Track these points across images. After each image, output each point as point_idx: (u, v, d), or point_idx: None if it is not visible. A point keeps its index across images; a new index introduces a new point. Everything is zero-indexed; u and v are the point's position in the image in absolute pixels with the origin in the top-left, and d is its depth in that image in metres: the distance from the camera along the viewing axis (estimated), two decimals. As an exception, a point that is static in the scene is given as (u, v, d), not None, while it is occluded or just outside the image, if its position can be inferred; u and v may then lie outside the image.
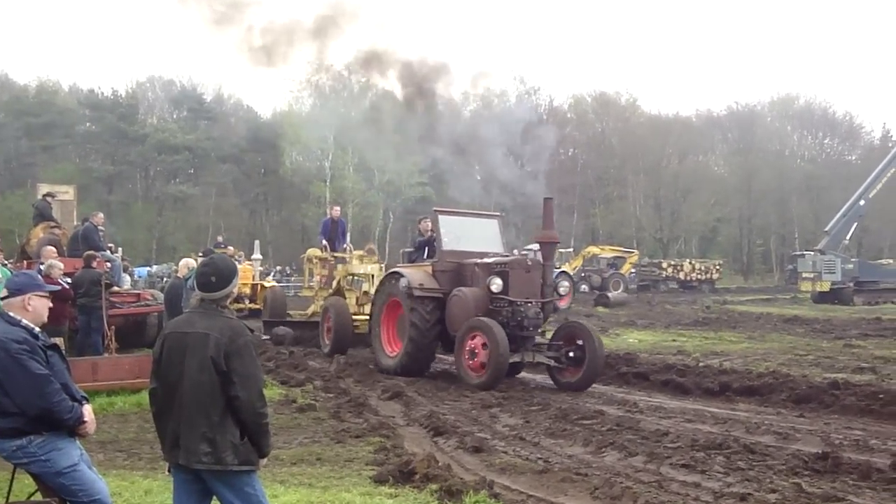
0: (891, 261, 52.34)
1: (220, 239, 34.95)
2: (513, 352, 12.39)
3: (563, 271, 36.69)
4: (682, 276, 53.17)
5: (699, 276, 53.73)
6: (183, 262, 13.50)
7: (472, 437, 8.96)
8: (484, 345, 12.14)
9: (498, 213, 16.37)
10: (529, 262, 13.29)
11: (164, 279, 32.29)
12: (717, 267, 56.41)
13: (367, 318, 17.09)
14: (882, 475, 7.24)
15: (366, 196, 62.21)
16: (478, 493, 6.48)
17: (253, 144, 69.22)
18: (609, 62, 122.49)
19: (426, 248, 15.26)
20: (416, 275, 13.86)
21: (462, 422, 10.11)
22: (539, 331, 13.04)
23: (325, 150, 64.08)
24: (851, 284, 39.11)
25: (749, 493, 6.72)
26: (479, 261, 13.73)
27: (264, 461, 4.45)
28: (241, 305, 26.33)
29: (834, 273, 38.99)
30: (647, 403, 11.56)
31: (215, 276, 4.41)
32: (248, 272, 27.15)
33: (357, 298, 18.18)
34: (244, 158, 67.50)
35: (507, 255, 14.11)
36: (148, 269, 42.29)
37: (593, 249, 50.04)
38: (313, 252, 20.82)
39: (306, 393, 12.11)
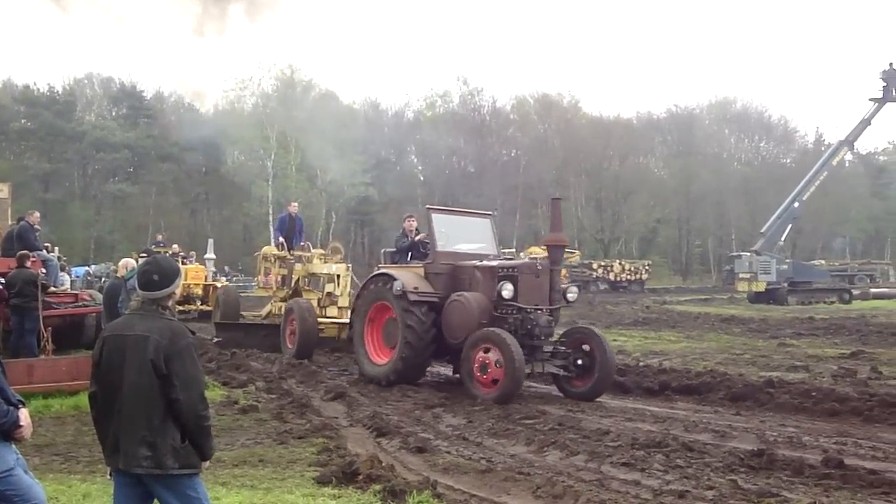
0: (823, 262, 53.66)
1: (159, 238, 34.18)
2: None
3: None
4: (612, 276, 53.84)
5: (629, 277, 54.39)
6: (122, 262, 13.28)
7: (416, 437, 8.97)
8: (497, 360, 11.10)
9: (490, 212, 15.38)
10: (539, 267, 12.37)
11: (103, 279, 31.53)
12: (647, 267, 57.17)
13: (331, 320, 16.80)
14: (814, 471, 7.44)
15: (308, 196, 61.79)
16: (421, 494, 6.50)
17: (194, 143, 68.32)
18: (552, 64, 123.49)
19: (410, 249, 14.17)
20: (408, 277, 12.85)
21: (405, 422, 10.11)
22: (550, 339, 12.11)
23: (267, 149, 63.57)
24: (786, 285, 39.97)
25: (687, 491, 6.85)
26: (480, 263, 12.82)
27: (206, 464, 4.41)
28: (193, 307, 25.82)
29: (769, 274, 39.81)
30: (589, 403, 11.70)
31: (158, 275, 4.36)
32: (200, 272, 26.61)
33: (319, 300, 17.42)
34: (185, 157, 66.57)
35: (509, 258, 13.36)
36: (86, 269, 41.49)
37: (535, 250, 50.39)
38: (269, 250, 19.97)
39: (248, 394, 12.00)
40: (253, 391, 12.34)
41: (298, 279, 18.11)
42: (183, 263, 25.99)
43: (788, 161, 79.76)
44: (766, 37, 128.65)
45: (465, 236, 13.92)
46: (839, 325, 23.77)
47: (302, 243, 19.25)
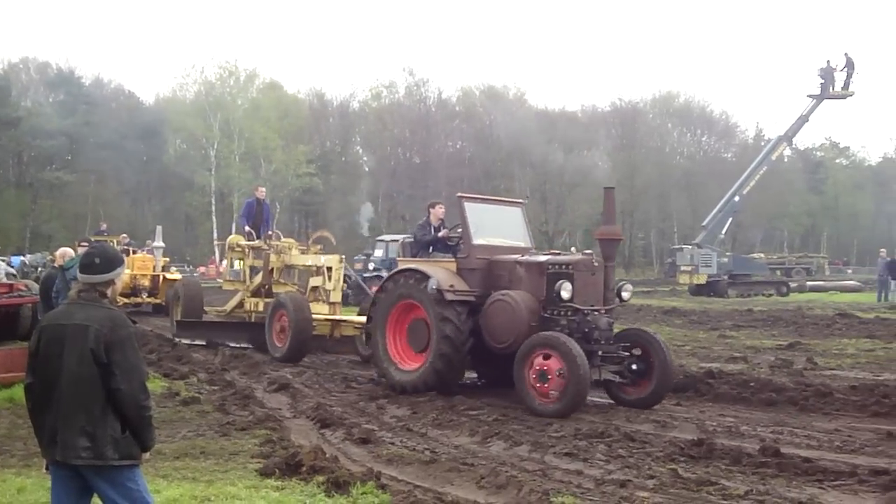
0: (762, 255, 54.64)
1: (102, 226, 32.94)
2: None
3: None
4: None
5: None
6: (60, 251, 12.91)
7: (360, 428, 8.95)
8: (559, 368, 9.78)
9: (521, 200, 13.55)
10: (595, 263, 10.98)
11: (39, 269, 30.49)
12: None
13: (324, 317, 15.32)
14: (751, 459, 7.60)
15: (252, 186, 61.21)
16: (365, 485, 6.49)
17: (134, 131, 67.16)
18: (497, 56, 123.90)
19: (435, 242, 12.52)
20: (440, 274, 11.34)
21: (349, 413, 10.09)
22: (611, 343, 10.68)
23: (210, 138, 62.82)
24: (726, 277, 40.62)
25: (629, 480, 6.95)
26: (523, 258, 11.46)
27: (147, 455, 4.35)
28: (139, 299, 24.03)
29: (710, 266, 40.43)
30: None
31: (99, 259, 4.30)
32: (147, 262, 24.50)
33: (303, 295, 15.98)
34: (125, 145, 65.38)
35: (556, 252, 12.16)
36: (21, 258, 40.54)
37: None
38: (235, 239, 18.24)
39: (190, 385, 11.87)
40: (195, 383, 12.20)
41: (273, 271, 16.75)
42: (133, 252, 24.78)
43: (729, 155, 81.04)
44: (708, 32, 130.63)
45: (497, 227, 12.46)
46: (777, 317, 24.23)
47: (270, 231, 17.78)
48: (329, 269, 15.51)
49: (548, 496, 6.34)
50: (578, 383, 9.62)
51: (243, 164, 62.82)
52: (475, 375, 12.69)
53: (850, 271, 67.61)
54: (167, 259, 27.55)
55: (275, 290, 16.59)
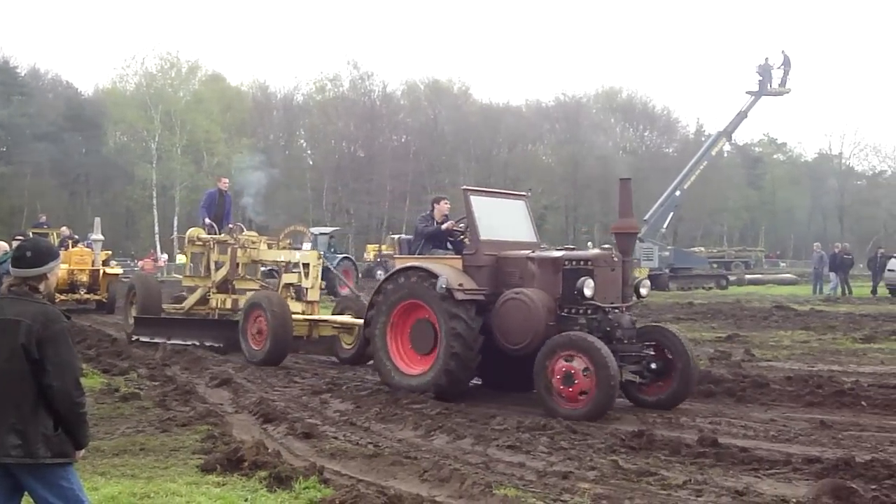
0: (702, 249, 55.50)
1: (42, 218, 31.78)
2: None
3: (346, 256, 36.15)
4: None
5: None
6: (-6, 245, 12.67)
7: (303, 423, 8.90)
8: (585, 368, 9.29)
9: (525, 193, 12.98)
10: (615, 258, 10.43)
11: (-29, 263, 29.30)
12: None
13: (304, 317, 14.54)
14: (690, 450, 7.74)
15: (194, 179, 60.49)
16: (307, 479, 6.46)
17: (73, 123, 65.86)
18: (442, 50, 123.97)
19: (436, 237, 11.71)
20: (447, 272, 10.64)
21: (292, 408, 10.04)
22: (633, 342, 10.17)
23: (151, 130, 61.91)
24: (667, 271, 41.17)
25: (570, 472, 7.03)
26: (536, 254, 10.85)
27: (82, 453, 4.27)
28: (78, 296, 22.89)
29: (651, 260, 40.94)
30: (477, 389, 11.79)
31: (31, 252, 4.21)
32: (86, 256, 23.28)
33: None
34: (63, 137, 64.06)
35: (571, 247, 11.50)
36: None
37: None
38: (196, 232, 17.16)
39: (130, 381, 11.69)
40: (135, 378, 12.02)
41: (238, 267, 15.91)
42: (73, 246, 23.82)
43: (671, 150, 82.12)
44: (650, 29, 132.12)
45: (502, 222, 11.75)
46: (716, 310, 24.64)
47: (230, 224, 16.88)
48: (306, 265, 14.82)
49: (490, 488, 6.37)
50: (608, 385, 9.12)
51: (185, 157, 62.06)
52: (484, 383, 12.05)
53: (783, 264, 69.02)
54: (108, 253, 26.33)
55: (239, 286, 15.99)
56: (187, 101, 64.21)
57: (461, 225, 11.59)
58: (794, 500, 6.14)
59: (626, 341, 9.98)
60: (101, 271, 23.47)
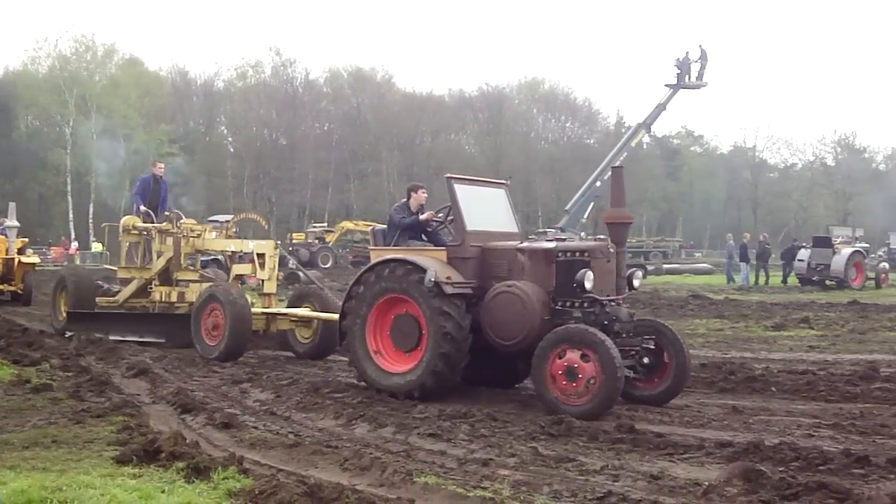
0: (599, 237, 56.43)
1: None
2: None
3: (328, 245, 36.03)
4: None
5: None
6: None
7: (222, 413, 8.79)
8: (591, 364, 8.88)
9: (504, 181, 12.44)
10: (611, 249, 10.01)
11: None
12: None
13: (262, 311, 13.92)
14: (608, 436, 7.88)
15: (110, 165, 59.02)
16: (226, 470, 6.39)
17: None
18: (365, 38, 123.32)
19: (413, 228, 11.15)
20: (433, 265, 10.09)
21: (211, 398, 9.91)
22: (631, 336, 9.77)
23: (65, 115, 60.25)
24: (587, 260, 41.69)
25: (491, 459, 7.09)
26: (525, 245, 10.45)
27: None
28: None
29: (572, 250, 41.42)
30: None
31: None
32: None
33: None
34: (-31, 121, 61.92)
35: (561, 238, 10.95)
36: None
37: (347, 224, 50.38)
38: (132, 220, 16.05)
39: (42, 372, 11.34)
40: (47, 369, 11.67)
41: (183, 257, 15.01)
42: None
43: (592, 141, 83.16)
44: (573, 20, 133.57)
45: (485, 211, 11.22)
46: (634, 299, 24.98)
47: (167, 212, 15.97)
48: (260, 255, 14.09)
49: (411, 476, 6.40)
50: (614, 380, 8.77)
51: (101, 143, 60.50)
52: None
53: (697, 255, 70.62)
54: (25, 240, 24.61)
55: (181, 278, 15.15)
56: (103, 85, 62.63)
57: (440, 215, 11.22)
58: (706, 483, 6.30)
59: (624, 335, 9.58)
60: (17, 260, 22.13)
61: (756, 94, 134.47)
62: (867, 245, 41.64)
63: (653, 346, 9.81)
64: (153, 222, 15.76)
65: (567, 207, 44.68)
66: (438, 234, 11.24)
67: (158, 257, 15.39)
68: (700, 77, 44.40)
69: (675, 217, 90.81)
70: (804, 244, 37.46)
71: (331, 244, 50.12)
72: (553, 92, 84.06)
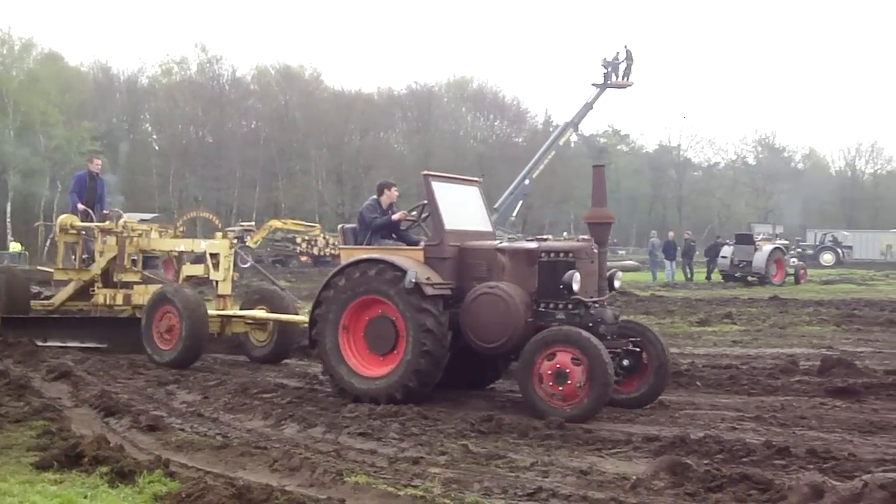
0: (551, 237, 56.87)
1: None
2: None
3: (247, 245, 35.57)
4: (315, 251, 52.08)
5: (333, 252, 53.71)
6: None
7: (147, 415, 8.62)
8: (580, 366, 8.73)
9: (477, 178, 12.17)
10: (595, 250, 9.84)
11: None
12: None
13: (217, 313, 13.35)
14: (537, 432, 7.96)
15: (29, 163, 57.42)
16: (152, 473, 6.28)
17: None
18: (293, 35, 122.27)
19: (385, 228, 10.89)
20: (412, 265, 9.79)
21: (136, 400, 9.70)
22: (616, 338, 9.65)
23: (-20, 111, 58.39)
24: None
25: (421, 457, 7.10)
26: (504, 245, 10.31)
27: None
28: None
29: (501, 248, 41.68)
30: (325, 377, 11.76)
31: None
32: None
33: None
34: None
35: (543, 238, 10.87)
36: None
37: (275, 223, 49.75)
38: (69, 220, 15.09)
39: (-43, 377, 11.00)
40: (-38, 374, 11.31)
41: (127, 258, 14.22)
42: None
43: (520, 140, 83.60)
44: (501, 20, 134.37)
45: (460, 210, 10.87)
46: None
47: (106, 210, 15.35)
48: (214, 255, 13.45)
49: (341, 476, 6.37)
50: (604, 383, 8.64)
51: (19, 140, 58.80)
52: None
53: (621, 252, 71.68)
54: None
55: (124, 279, 14.41)
56: (21, 80, 60.89)
57: (413, 213, 11.03)
58: (634, 477, 6.39)
59: (609, 337, 9.43)
60: None
61: (680, 95, 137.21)
62: (787, 242, 42.77)
63: (638, 349, 9.68)
64: (92, 221, 15.07)
65: (496, 206, 44.88)
66: (408, 233, 11.07)
67: (100, 258, 14.61)
68: (626, 77, 45.07)
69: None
70: (727, 241, 38.35)
71: (257, 243, 49.52)
72: (482, 91, 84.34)
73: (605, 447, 7.50)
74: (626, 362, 9.55)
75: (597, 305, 9.57)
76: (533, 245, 10.12)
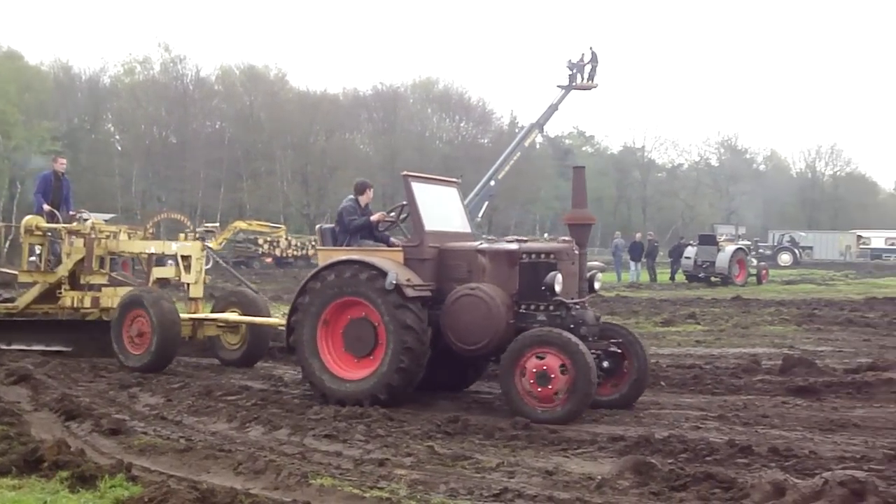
0: (516, 237, 57.08)
1: None
2: None
3: (209, 247, 35.23)
4: (278, 252, 51.68)
5: (296, 253, 53.52)
6: None
7: (109, 418, 8.52)
8: (563, 368, 8.71)
9: (456, 179, 12.14)
10: (576, 251, 9.83)
11: None
12: (313, 243, 56.68)
13: (189, 316, 13.05)
14: (503, 433, 7.99)
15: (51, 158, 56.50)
16: (114, 478, 6.20)
17: None
18: (258, 35, 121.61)
19: (364, 228, 10.76)
20: (392, 266, 9.73)
21: (98, 403, 9.59)
22: (597, 340, 9.64)
23: (-65, 110, 57.38)
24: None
25: (387, 459, 7.09)
26: (484, 246, 10.19)
27: None
28: None
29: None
30: (293, 377, 11.72)
31: None
32: None
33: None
34: None
35: (522, 239, 10.72)
36: None
37: (240, 224, 49.33)
38: (34, 221, 14.63)
39: (-88, 382, 10.80)
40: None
41: (84, 260, 13.79)
42: None
43: (486, 141, 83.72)
44: (466, 21, 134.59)
45: (440, 211, 10.83)
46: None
47: (72, 211, 15.04)
48: (185, 257, 13.24)
49: (307, 479, 6.34)
50: (586, 383, 8.61)
51: (-24, 141, 57.90)
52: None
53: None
54: None
55: (85, 279, 13.95)
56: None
57: (392, 215, 10.95)
58: (599, 477, 6.43)
59: (590, 338, 9.42)
60: None
61: (645, 97, 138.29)
62: (749, 242, 43.23)
63: (619, 350, 9.65)
64: (58, 222, 14.70)
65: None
66: (385, 234, 10.99)
67: (67, 259, 14.17)
68: (591, 78, 45.21)
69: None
70: (690, 242, 38.67)
71: (221, 244, 49.07)
72: (447, 92, 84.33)
73: (571, 447, 7.53)
74: (605, 364, 9.47)
75: (578, 307, 9.55)
76: (514, 246, 10.05)
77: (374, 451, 7.36)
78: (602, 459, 7.15)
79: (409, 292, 9.48)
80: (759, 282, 35.94)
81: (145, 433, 8.14)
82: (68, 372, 11.72)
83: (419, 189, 10.40)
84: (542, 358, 8.78)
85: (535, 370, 8.76)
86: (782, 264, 49.77)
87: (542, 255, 9.73)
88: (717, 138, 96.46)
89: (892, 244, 77.82)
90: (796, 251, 59.62)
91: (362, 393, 9.48)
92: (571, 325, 9.28)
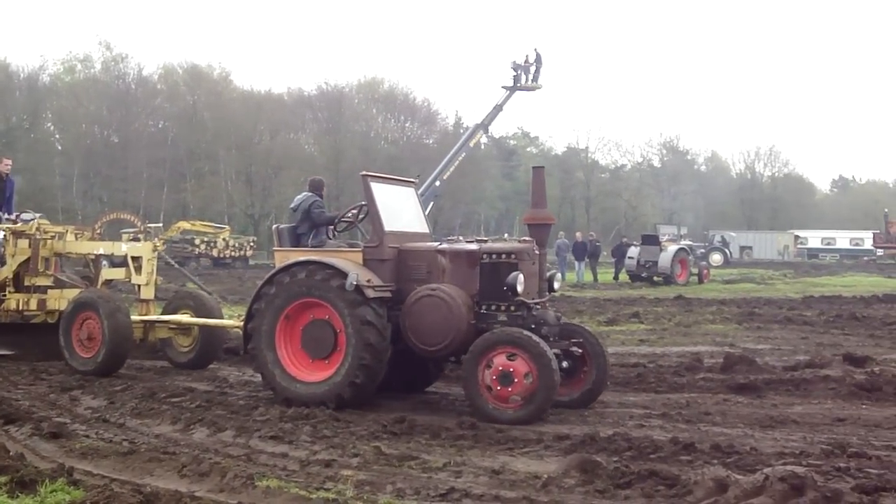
0: (461, 238, 57.17)
1: None
2: None
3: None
4: (215, 252, 51.20)
5: (233, 253, 53.00)
6: None
7: (50, 422, 8.39)
8: (526, 369, 8.65)
9: (413, 179, 12.07)
10: (536, 251, 9.82)
11: None
12: (251, 244, 56.22)
13: (140, 318, 12.67)
14: (450, 433, 8.01)
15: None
16: (55, 482, 6.10)
17: None
18: (201, 34, 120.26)
19: (321, 226, 10.73)
20: (352, 267, 9.63)
21: (38, 406, 9.42)
22: (558, 340, 9.57)
23: None
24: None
25: (334, 459, 7.08)
26: (444, 246, 10.08)
27: None
28: None
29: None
30: (238, 378, 11.63)
31: None
32: None
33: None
34: None
35: (483, 239, 10.62)
36: None
37: (184, 225, 48.74)
38: None
39: None
40: None
41: (40, 261, 13.45)
42: None
43: (431, 141, 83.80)
44: (411, 21, 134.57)
45: (398, 211, 10.71)
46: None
47: (16, 212, 14.65)
48: (136, 258, 12.90)
49: (252, 480, 6.30)
50: (550, 384, 8.62)
51: None
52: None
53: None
54: None
55: (30, 281, 13.51)
56: None
57: (350, 214, 10.82)
58: (545, 475, 6.48)
59: (551, 339, 9.35)
60: None
61: (589, 98, 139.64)
62: (692, 242, 43.85)
63: (580, 351, 9.64)
64: (1, 223, 14.29)
65: (407, 207, 44.83)
66: (338, 234, 10.95)
67: (11, 260, 13.61)
68: (535, 80, 45.51)
69: (513, 216, 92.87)
70: (633, 242, 39.13)
71: (162, 245, 48.43)
72: (392, 92, 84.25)
73: (517, 446, 7.57)
74: (565, 364, 9.40)
75: (538, 307, 9.56)
76: (474, 247, 10.00)
77: (320, 452, 7.34)
78: (548, 458, 7.20)
79: (370, 293, 9.40)
80: (701, 281, 36.50)
81: (87, 436, 8.03)
82: (7, 375, 11.49)
83: (378, 189, 10.28)
84: (511, 359, 8.73)
85: (500, 367, 8.72)
86: (714, 264, 50.56)
87: (503, 256, 9.68)
88: (660, 139, 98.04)
89: (828, 244, 79.77)
90: (727, 251, 60.58)
91: (325, 394, 9.37)
92: (533, 326, 9.27)
